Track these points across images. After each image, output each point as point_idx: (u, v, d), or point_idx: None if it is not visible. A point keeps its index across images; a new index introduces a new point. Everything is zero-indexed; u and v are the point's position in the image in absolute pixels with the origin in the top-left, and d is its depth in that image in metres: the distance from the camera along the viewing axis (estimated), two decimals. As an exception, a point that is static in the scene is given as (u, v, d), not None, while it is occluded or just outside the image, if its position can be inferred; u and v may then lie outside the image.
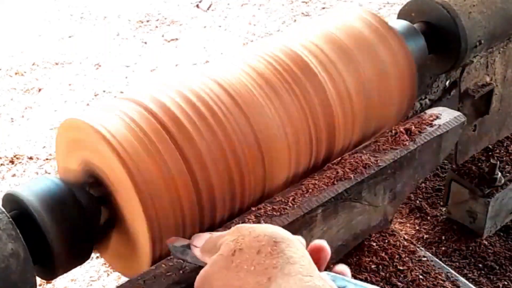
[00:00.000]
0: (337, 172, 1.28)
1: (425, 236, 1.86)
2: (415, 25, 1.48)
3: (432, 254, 1.61)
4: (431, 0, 1.50)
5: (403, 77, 1.33)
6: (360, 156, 1.32)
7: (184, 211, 1.04)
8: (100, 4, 3.33)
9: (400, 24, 1.46)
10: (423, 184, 2.03)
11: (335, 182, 1.25)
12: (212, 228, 1.14)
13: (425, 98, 1.82)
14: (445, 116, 1.42)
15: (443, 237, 1.86)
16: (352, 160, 1.32)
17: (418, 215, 1.93)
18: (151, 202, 1.01)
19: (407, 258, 1.42)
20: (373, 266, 1.39)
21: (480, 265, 1.79)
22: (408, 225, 1.90)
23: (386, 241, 1.45)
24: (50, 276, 1.06)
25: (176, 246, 0.91)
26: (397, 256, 1.42)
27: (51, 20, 3.21)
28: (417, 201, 1.98)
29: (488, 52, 1.64)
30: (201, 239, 0.86)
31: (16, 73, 2.75)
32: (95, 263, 1.75)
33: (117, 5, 3.31)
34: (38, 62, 2.83)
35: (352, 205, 1.31)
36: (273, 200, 1.20)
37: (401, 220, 1.91)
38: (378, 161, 1.30)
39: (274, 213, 1.18)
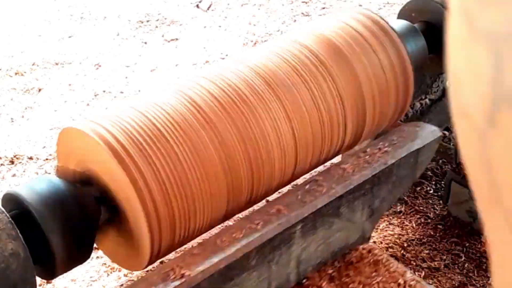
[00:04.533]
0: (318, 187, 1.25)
1: (425, 236, 1.86)
2: (415, 25, 1.48)
3: (432, 254, 1.61)
4: (431, 0, 1.50)
5: (398, 77, 1.33)
6: (339, 170, 1.29)
7: (176, 212, 1.05)
8: (100, 4, 3.32)
9: (400, 24, 1.46)
10: (423, 184, 2.03)
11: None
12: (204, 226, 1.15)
13: (425, 98, 1.81)
14: (422, 131, 1.40)
15: (443, 237, 1.86)
16: (330, 175, 1.29)
17: (418, 215, 1.93)
18: (151, 202, 1.01)
19: (387, 276, 1.38)
20: (353, 285, 1.36)
21: (481, 264, 1.79)
22: (408, 225, 1.90)
23: (366, 258, 1.41)
24: (50, 276, 1.06)
25: None
26: (376, 274, 1.38)
27: (51, 20, 3.21)
28: (417, 201, 1.98)
29: (488, 52, 1.64)
30: None
31: (16, 73, 2.75)
32: (95, 263, 1.75)
33: (117, 5, 3.30)
34: (38, 62, 2.83)
35: (330, 221, 1.28)
36: (252, 218, 1.18)
37: (401, 220, 1.91)
38: (357, 175, 1.28)
39: (254, 227, 1.16)
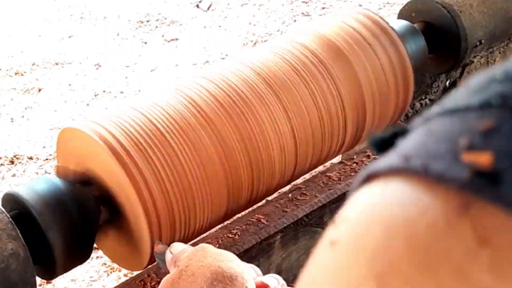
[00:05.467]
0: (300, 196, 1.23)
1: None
2: (415, 25, 1.48)
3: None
4: (431, 0, 1.50)
5: (398, 77, 1.33)
6: (324, 178, 1.27)
7: (176, 212, 1.05)
8: (100, 4, 3.32)
9: (400, 24, 1.46)
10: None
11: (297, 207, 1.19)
12: (202, 228, 1.15)
13: (425, 98, 1.81)
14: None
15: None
16: (314, 183, 1.26)
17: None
18: (151, 202, 1.01)
19: None
20: None
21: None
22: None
23: None
24: (50, 276, 1.06)
25: (159, 253, 0.90)
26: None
27: (51, 20, 3.21)
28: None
29: (489, 52, 1.64)
30: (177, 248, 0.85)
31: (16, 73, 2.75)
32: (95, 263, 1.75)
33: (117, 5, 3.30)
34: (38, 62, 2.83)
35: (313, 231, 1.26)
36: (230, 227, 1.16)
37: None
38: (342, 183, 1.25)
39: (231, 236, 1.14)
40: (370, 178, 0.22)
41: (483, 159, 0.18)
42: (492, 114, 0.20)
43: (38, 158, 2.21)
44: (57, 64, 2.83)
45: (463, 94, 0.22)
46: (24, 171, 2.15)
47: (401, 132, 0.23)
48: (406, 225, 0.19)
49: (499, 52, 1.69)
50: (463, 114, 0.20)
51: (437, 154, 0.20)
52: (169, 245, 0.88)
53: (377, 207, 0.21)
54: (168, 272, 0.80)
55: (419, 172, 0.20)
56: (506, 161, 0.18)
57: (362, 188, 0.23)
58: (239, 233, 1.14)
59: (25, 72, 2.76)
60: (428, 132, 0.21)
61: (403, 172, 0.20)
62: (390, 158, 0.22)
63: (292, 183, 1.33)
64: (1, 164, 2.18)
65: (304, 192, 1.23)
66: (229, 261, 0.73)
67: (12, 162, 2.20)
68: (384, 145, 0.23)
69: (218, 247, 1.10)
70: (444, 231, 0.18)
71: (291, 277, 1.32)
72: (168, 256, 0.83)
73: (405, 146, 0.21)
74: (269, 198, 1.29)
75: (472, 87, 0.22)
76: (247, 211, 1.23)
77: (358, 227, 0.21)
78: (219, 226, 1.19)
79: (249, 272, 0.74)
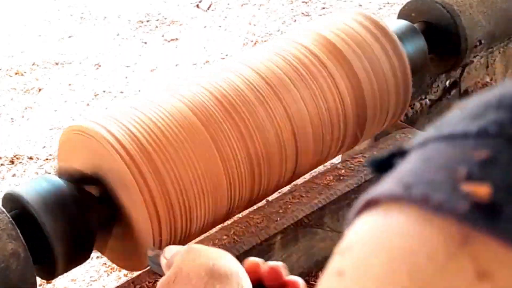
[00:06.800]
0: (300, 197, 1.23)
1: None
2: (415, 25, 1.48)
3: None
4: (431, 0, 1.50)
5: (398, 77, 1.33)
6: (323, 179, 1.28)
7: (176, 213, 1.06)
8: (100, 4, 3.32)
9: (400, 24, 1.46)
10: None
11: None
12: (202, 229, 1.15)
13: (425, 98, 1.81)
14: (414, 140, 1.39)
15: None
16: (314, 184, 1.27)
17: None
18: (151, 202, 1.01)
19: None
20: None
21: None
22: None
23: None
24: (50, 276, 1.06)
25: (152, 257, 0.90)
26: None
27: (51, 20, 3.21)
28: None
29: (488, 52, 1.64)
30: (170, 251, 0.84)
31: (16, 73, 2.75)
32: (95, 263, 1.75)
33: (117, 5, 3.30)
34: (38, 62, 2.83)
35: (313, 232, 1.27)
36: (230, 228, 1.17)
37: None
38: (342, 185, 1.26)
39: (231, 237, 1.14)
40: (370, 204, 0.22)
41: (482, 191, 0.18)
42: (489, 143, 0.20)
43: (38, 158, 2.21)
44: (57, 64, 2.83)
45: (459, 119, 0.22)
46: (24, 171, 2.15)
47: (399, 153, 0.23)
48: (407, 256, 0.19)
49: (499, 52, 1.69)
50: (460, 141, 0.20)
51: (436, 183, 0.20)
52: (161, 249, 0.87)
53: (379, 237, 0.21)
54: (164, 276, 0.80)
55: (419, 202, 0.20)
56: (504, 194, 0.18)
57: (363, 214, 0.22)
58: (239, 234, 1.15)
59: (25, 72, 2.76)
60: (426, 158, 0.21)
61: (404, 200, 0.20)
62: (390, 185, 0.21)
63: (292, 183, 1.33)
64: (1, 164, 2.18)
65: (304, 192, 1.23)
66: (222, 259, 0.73)
67: (12, 162, 2.20)
68: (382, 166, 0.23)
69: (218, 248, 1.10)
70: (444, 264, 0.18)
71: None
72: (163, 262, 0.83)
73: (404, 171, 0.21)
74: (269, 198, 1.29)
75: (469, 112, 0.22)
76: (247, 211, 1.23)
77: (362, 258, 0.21)
78: (219, 226, 1.19)
79: (242, 269, 0.74)
